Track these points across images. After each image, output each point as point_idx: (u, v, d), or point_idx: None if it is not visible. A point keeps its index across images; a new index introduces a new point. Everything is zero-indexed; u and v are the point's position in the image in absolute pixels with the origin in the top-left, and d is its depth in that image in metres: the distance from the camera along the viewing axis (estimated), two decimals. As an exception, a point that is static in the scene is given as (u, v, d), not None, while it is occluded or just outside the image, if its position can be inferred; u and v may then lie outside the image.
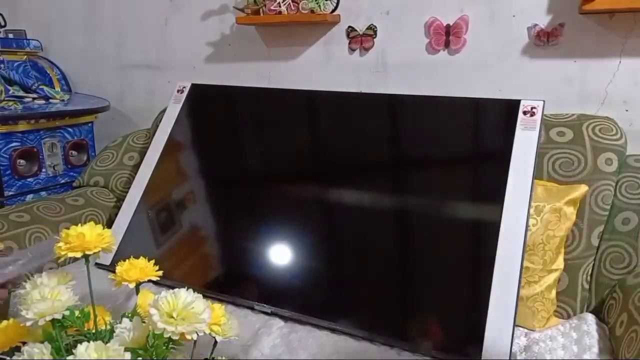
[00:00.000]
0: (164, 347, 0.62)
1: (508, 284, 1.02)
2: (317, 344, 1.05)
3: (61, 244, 0.67)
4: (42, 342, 0.62)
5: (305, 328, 1.11)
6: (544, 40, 1.42)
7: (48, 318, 0.61)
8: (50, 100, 1.92)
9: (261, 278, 1.26)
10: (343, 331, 1.09)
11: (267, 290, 1.23)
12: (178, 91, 1.66)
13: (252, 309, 1.19)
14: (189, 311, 0.60)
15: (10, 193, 1.72)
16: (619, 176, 1.20)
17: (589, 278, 1.18)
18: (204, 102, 1.64)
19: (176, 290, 0.62)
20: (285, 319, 1.15)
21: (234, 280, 1.30)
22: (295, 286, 1.22)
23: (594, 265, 1.18)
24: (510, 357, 0.96)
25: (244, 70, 1.85)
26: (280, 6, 1.61)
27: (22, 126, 1.72)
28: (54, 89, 2.00)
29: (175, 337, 0.59)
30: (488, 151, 1.27)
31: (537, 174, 1.17)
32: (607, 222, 1.18)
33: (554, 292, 1.14)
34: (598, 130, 1.24)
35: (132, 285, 0.71)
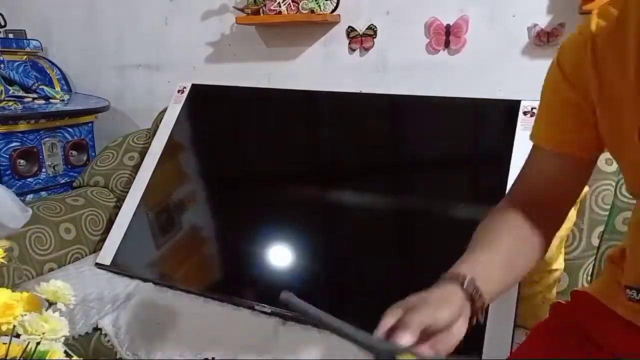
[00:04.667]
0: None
1: (508, 284, 1.02)
2: (317, 344, 1.05)
3: None
4: None
5: (306, 328, 1.11)
6: (544, 40, 1.42)
7: None
8: (50, 100, 1.92)
9: (261, 279, 1.26)
10: (343, 331, 1.09)
11: (267, 290, 1.22)
12: (178, 91, 1.66)
13: (252, 309, 1.19)
14: None
15: (10, 193, 1.72)
16: (619, 176, 1.20)
17: (589, 278, 1.18)
18: (205, 103, 1.64)
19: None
20: (285, 319, 1.15)
21: (234, 281, 1.30)
22: (296, 287, 1.22)
23: (594, 265, 1.18)
24: (510, 357, 0.96)
25: (244, 70, 1.85)
26: (280, 6, 1.61)
27: (22, 126, 1.72)
28: (54, 89, 2.00)
29: None
30: (488, 152, 1.27)
31: (537, 174, 1.17)
32: (608, 222, 1.17)
33: (554, 292, 1.14)
34: (598, 130, 1.24)
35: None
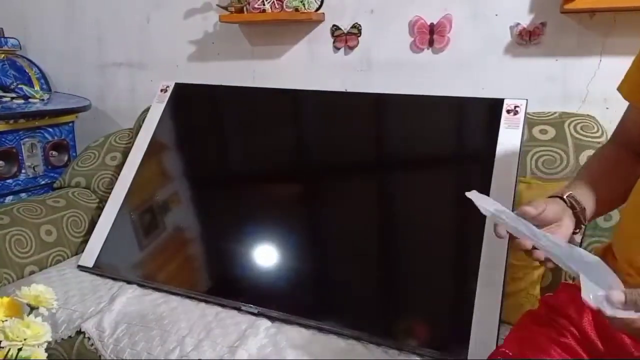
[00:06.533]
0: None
1: (493, 282, 1.03)
2: (304, 344, 1.05)
3: None
4: None
5: (293, 328, 1.11)
6: (526, 39, 1.43)
7: None
8: (30, 100, 1.88)
9: (247, 279, 1.26)
10: (330, 330, 1.09)
11: (254, 290, 1.22)
12: (161, 90, 1.64)
13: (239, 309, 1.18)
14: None
15: (-11, 195, 1.69)
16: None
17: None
18: (188, 102, 1.63)
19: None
20: (272, 319, 1.14)
21: (220, 281, 1.29)
22: (282, 286, 1.22)
23: (576, 261, 1.19)
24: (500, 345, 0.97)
25: (227, 69, 1.83)
26: (264, 4, 1.60)
27: (0, 126, 1.69)
28: (33, 88, 1.96)
29: None
30: (472, 150, 1.28)
31: (521, 172, 1.19)
32: (590, 219, 1.19)
33: (537, 288, 1.15)
34: (580, 128, 1.26)
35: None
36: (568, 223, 0.71)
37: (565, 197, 0.73)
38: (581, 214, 0.73)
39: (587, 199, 0.76)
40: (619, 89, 0.82)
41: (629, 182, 0.77)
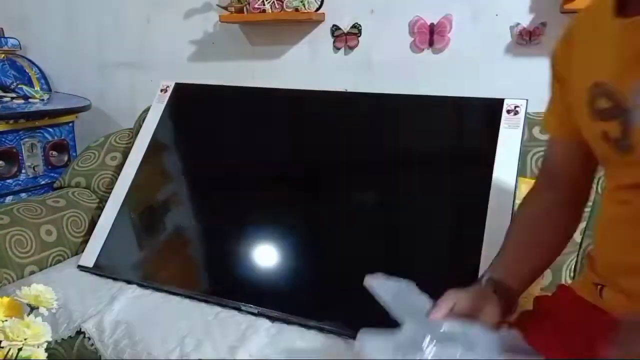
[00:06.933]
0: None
1: (493, 281, 1.03)
2: (304, 344, 1.05)
3: None
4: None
5: (293, 328, 1.11)
6: (526, 39, 1.44)
7: None
8: (30, 100, 1.89)
9: (247, 279, 1.26)
10: (331, 330, 1.09)
11: (254, 290, 1.22)
12: (162, 90, 1.64)
13: (239, 309, 1.18)
14: None
15: (-11, 195, 1.69)
16: (600, 173, 1.22)
17: (572, 274, 1.19)
18: (188, 102, 1.63)
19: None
20: (272, 319, 1.14)
21: (220, 281, 1.29)
22: (282, 286, 1.22)
23: (576, 261, 1.19)
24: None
25: (228, 69, 1.84)
26: (264, 4, 1.60)
27: (0, 126, 1.69)
28: (33, 88, 1.96)
29: None
30: (472, 150, 1.28)
31: (521, 172, 1.19)
32: (589, 218, 1.19)
33: (537, 288, 1.15)
34: (580, 128, 1.26)
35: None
36: (490, 310, 0.67)
37: (483, 283, 0.70)
38: (507, 296, 0.70)
39: (513, 275, 0.72)
40: (544, 126, 0.78)
41: (563, 235, 0.75)
